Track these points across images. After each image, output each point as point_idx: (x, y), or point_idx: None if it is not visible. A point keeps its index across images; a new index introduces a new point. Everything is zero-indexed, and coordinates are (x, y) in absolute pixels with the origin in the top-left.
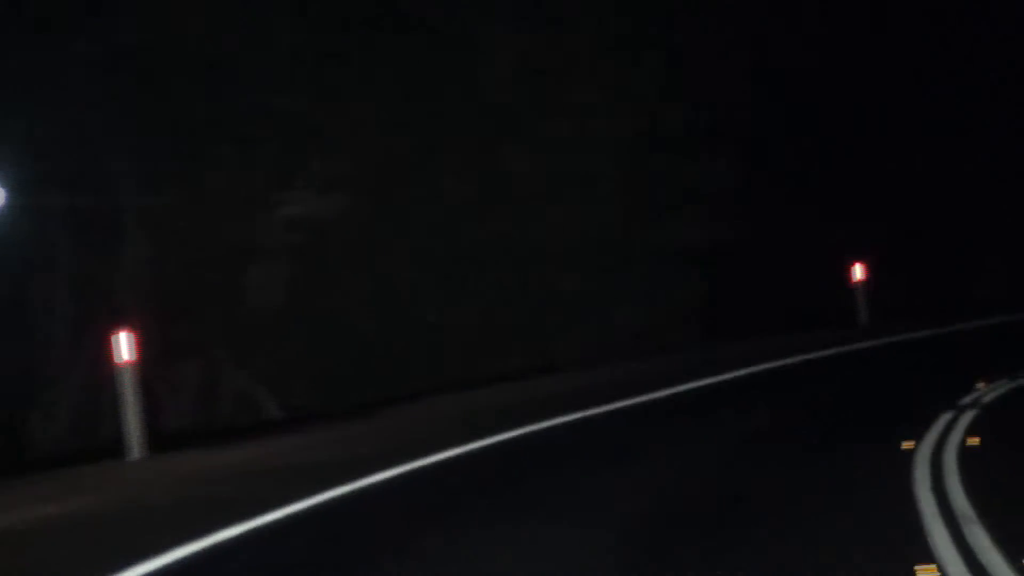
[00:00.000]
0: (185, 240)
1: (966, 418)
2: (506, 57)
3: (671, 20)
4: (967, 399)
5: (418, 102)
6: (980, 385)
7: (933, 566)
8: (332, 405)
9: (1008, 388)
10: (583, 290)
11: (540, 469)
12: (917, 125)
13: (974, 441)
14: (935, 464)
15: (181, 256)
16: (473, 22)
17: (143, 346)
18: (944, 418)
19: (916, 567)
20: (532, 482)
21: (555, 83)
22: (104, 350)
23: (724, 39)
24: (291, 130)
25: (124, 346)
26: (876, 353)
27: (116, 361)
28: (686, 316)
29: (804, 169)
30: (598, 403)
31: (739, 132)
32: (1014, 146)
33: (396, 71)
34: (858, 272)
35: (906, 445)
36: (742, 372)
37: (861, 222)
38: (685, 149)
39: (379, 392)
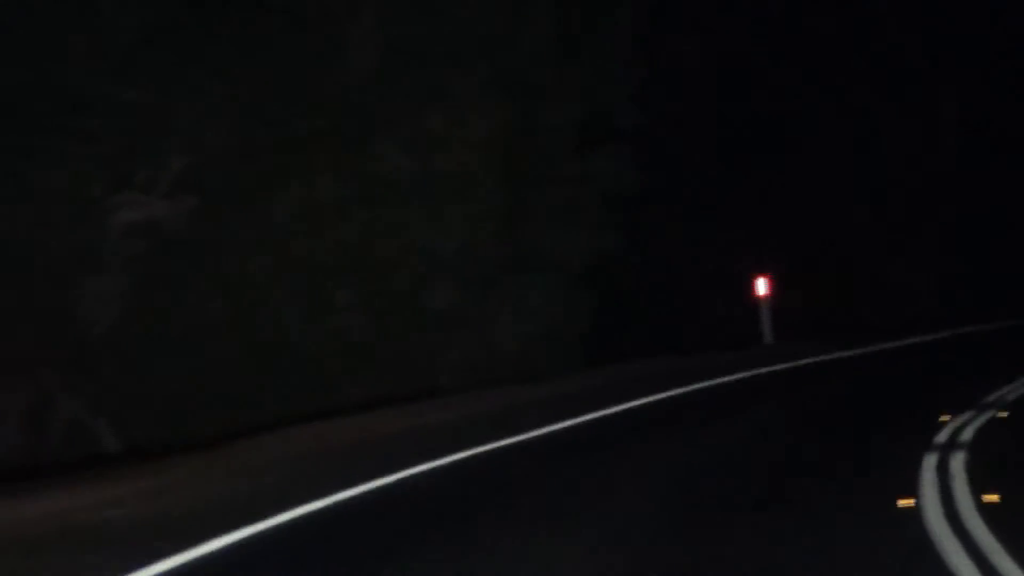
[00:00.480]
0: (9, 248)
1: (957, 463)
2: (375, 44)
3: (558, 8)
4: (942, 437)
5: (277, 93)
6: (945, 418)
7: None
8: (178, 437)
9: (982, 421)
10: (458, 305)
11: (418, 535)
12: (830, 130)
13: (992, 498)
14: (961, 533)
15: (5, 266)
16: (339, 5)
17: None
18: (929, 463)
19: None
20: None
21: (429, 75)
22: None
23: (618, 33)
24: (132, 122)
25: None
26: (793, 378)
27: None
28: (573, 335)
29: (702, 174)
30: (476, 442)
31: (632, 133)
32: (931, 158)
33: (253, 58)
34: (761, 287)
35: (903, 503)
36: (641, 402)
37: (765, 232)
38: (572, 150)
39: (232, 422)
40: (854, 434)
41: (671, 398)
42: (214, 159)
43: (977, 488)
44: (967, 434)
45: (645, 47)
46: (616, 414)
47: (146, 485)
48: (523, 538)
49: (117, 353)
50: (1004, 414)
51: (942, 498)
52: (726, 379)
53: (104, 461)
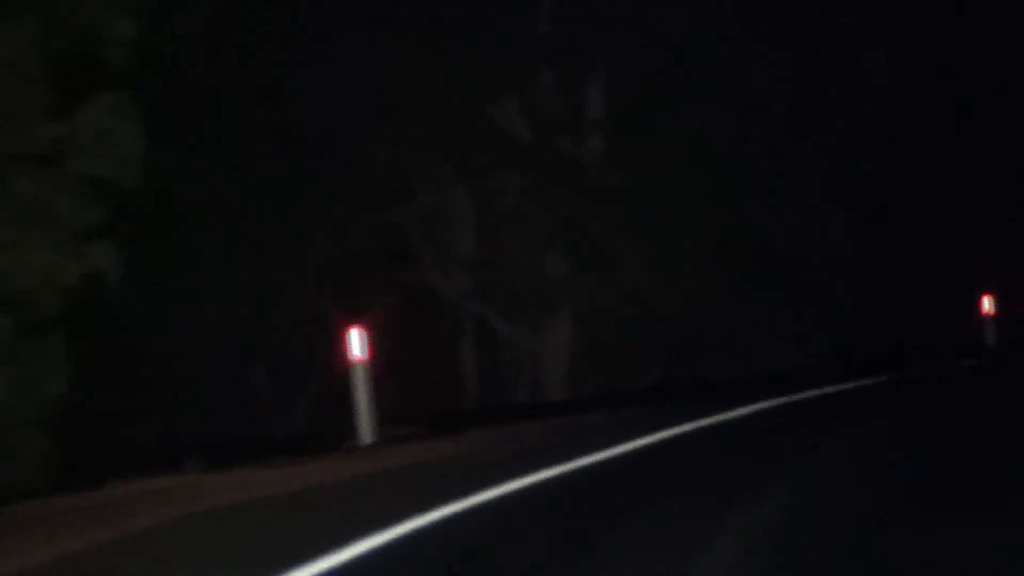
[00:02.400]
0: None
1: None
2: None
3: None
4: None
5: None
6: None
7: None
8: None
9: None
10: None
11: None
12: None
13: None
14: None
15: None
16: None
17: None
18: None
19: None
20: None
21: None
22: None
23: None
24: None
25: None
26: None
27: None
28: (33, 425)
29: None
30: None
31: (147, 84)
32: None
33: None
34: (356, 345)
35: None
36: None
37: (357, 262)
38: (44, 104)
39: None
40: None
41: None
42: None
43: None
44: None
45: None
46: None
47: None
48: None
49: None
50: None
51: None
52: None
53: None
